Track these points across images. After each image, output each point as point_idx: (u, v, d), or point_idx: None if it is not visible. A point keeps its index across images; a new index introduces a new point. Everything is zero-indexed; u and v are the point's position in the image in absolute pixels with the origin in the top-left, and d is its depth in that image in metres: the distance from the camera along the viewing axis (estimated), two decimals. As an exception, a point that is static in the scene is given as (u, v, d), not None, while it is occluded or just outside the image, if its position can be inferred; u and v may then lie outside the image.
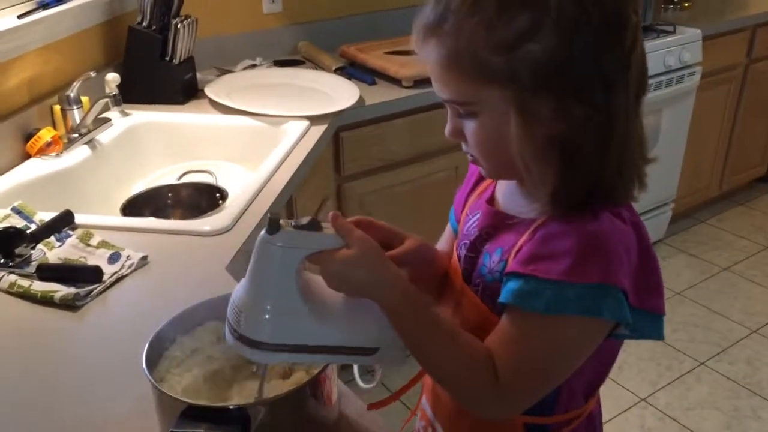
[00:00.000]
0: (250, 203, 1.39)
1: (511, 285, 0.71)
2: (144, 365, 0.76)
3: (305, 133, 1.73)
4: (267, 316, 0.71)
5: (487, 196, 0.86)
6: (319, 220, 0.73)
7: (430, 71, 0.74)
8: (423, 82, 2.06)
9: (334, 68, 2.21)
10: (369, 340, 0.74)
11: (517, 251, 0.74)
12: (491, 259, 0.78)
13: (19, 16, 1.58)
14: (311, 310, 0.72)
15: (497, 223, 0.81)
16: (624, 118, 0.71)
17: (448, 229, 0.95)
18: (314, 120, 1.79)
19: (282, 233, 0.70)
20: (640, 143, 0.75)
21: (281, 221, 0.71)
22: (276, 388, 0.78)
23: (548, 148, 0.71)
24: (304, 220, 0.72)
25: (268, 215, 0.71)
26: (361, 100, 1.96)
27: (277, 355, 0.72)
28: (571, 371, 0.74)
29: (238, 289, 0.74)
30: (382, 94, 2.03)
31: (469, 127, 0.74)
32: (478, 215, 0.85)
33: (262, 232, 0.71)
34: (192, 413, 0.70)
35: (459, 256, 0.85)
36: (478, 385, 0.73)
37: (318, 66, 2.29)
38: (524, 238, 0.74)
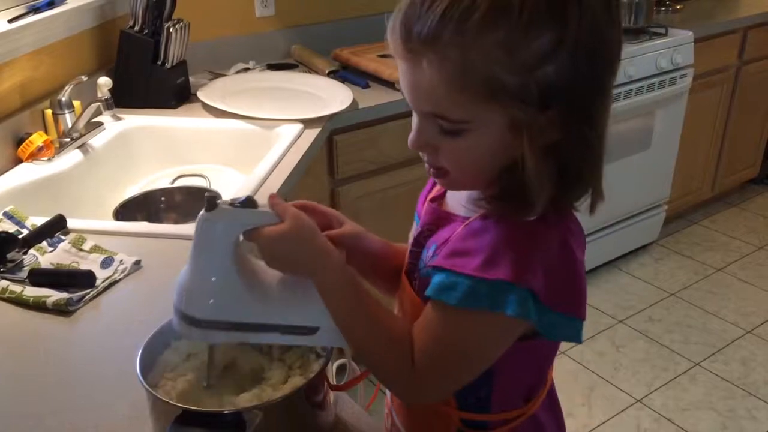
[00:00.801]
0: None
1: (435, 278, 0.73)
2: (138, 370, 0.75)
3: (299, 137, 1.73)
4: (206, 293, 0.72)
5: (435, 195, 0.87)
6: (253, 197, 0.74)
7: (415, 83, 0.69)
8: (416, 84, 2.06)
9: (327, 71, 2.20)
10: (308, 319, 0.74)
11: (445, 246, 0.76)
12: (427, 254, 0.80)
13: (10, 21, 1.57)
14: (250, 287, 0.73)
15: (437, 220, 0.82)
16: (605, 136, 0.72)
17: (414, 226, 0.95)
18: (308, 123, 1.79)
19: (218, 210, 0.71)
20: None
21: (219, 201, 0.72)
22: (272, 393, 0.78)
23: (545, 159, 0.70)
24: (241, 199, 0.73)
25: (205, 194, 0.73)
26: (354, 103, 1.95)
27: (216, 333, 0.73)
28: (484, 365, 0.75)
29: (182, 272, 0.75)
30: (375, 98, 2.03)
31: (450, 144, 0.71)
32: (424, 213, 0.87)
33: (201, 210, 0.72)
34: (186, 418, 0.70)
35: (409, 251, 0.87)
36: (395, 368, 0.75)
37: (311, 69, 2.28)
38: (455, 234, 0.76)
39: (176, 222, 1.53)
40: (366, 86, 2.12)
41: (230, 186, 1.63)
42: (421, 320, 0.75)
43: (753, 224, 3.34)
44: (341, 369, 0.95)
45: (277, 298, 0.75)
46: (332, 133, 1.93)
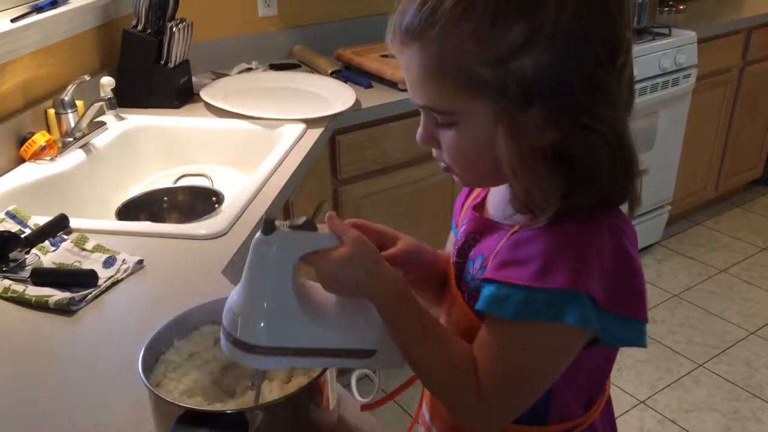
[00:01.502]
0: (247, 207, 1.38)
1: (485, 291, 0.71)
2: (140, 370, 0.75)
3: (301, 137, 1.72)
4: (263, 319, 0.70)
5: (476, 202, 0.85)
6: (315, 221, 0.72)
7: (409, 76, 0.71)
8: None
9: (330, 71, 2.20)
10: (366, 342, 0.73)
11: (494, 257, 0.73)
12: (474, 265, 0.78)
13: (13, 20, 1.56)
14: (308, 312, 0.71)
15: (481, 230, 0.80)
16: (626, 132, 0.71)
17: (451, 236, 0.94)
18: (310, 123, 1.78)
19: (277, 233, 0.70)
20: (635, 157, 0.74)
21: (276, 222, 0.70)
22: (275, 392, 0.77)
23: (539, 162, 0.68)
24: (300, 221, 0.71)
25: (264, 216, 0.71)
26: (357, 103, 1.95)
27: (272, 360, 0.71)
28: (552, 379, 0.72)
29: (233, 294, 0.73)
30: (378, 97, 2.03)
31: (447, 136, 0.71)
32: (465, 221, 0.85)
33: (258, 233, 0.70)
34: (189, 418, 0.69)
35: (453, 263, 0.85)
36: (461, 392, 0.72)
37: (314, 69, 2.28)
38: (501, 243, 0.74)
39: (179, 222, 1.52)
40: (369, 86, 2.11)
41: (233, 186, 1.63)
42: (479, 340, 0.73)
43: (757, 225, 3.33)
44: (361, 380, 0.93)
45: (334, 322, 0.74)
46: (335, 133, 1.92)
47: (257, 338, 0.70)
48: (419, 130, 0.74)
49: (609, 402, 0.88)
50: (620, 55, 0.68)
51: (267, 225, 0.70)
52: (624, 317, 0.70)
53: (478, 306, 0.71)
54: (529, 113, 0.67)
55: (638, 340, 0.72)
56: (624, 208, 0.75)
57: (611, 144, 0.69)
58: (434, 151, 0.75)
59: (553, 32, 0.64)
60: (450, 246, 0.94)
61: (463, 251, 0.81)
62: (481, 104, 0.67)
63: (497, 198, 0.82)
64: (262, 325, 0.70)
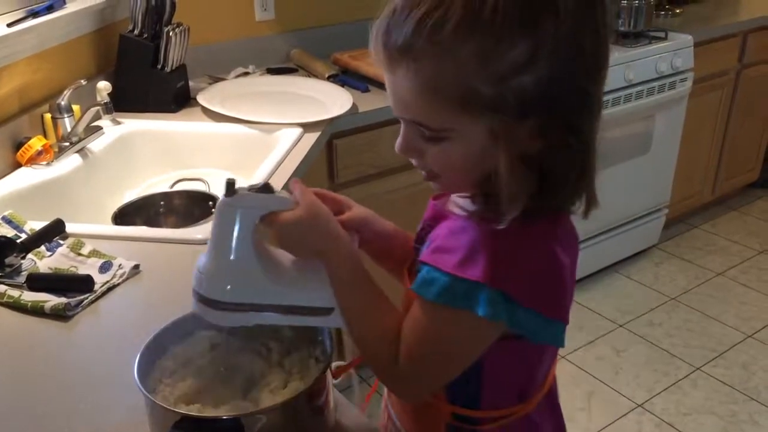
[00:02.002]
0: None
1: (421, 273, 0.74)
2: (136, 375, 0.75)
3: (298, 141, 1.72)
4: (225, 275, 0.75)
5: (439, 193, 0.87)
6: (269, 183, 0.77)
7: (397, 92, 0.70)
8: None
9: (327, 75, 2.20)
10: (323, 301, 0.77)
11: (432, 242, 0.77)
12: (424, 249, 0.80)
13: (9, 25, 1.56)
14: (268, 270, 0.76)
15: (436, 216, 0.83)
16: (594, 141, 0.72)
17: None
18: (307, 127, 1.78)
19: (238, 195, 0.74)
20: (594, 164, 0.75)
21: (237, 186, 0.74)
22: (272, 398, 0.77)
23: (522, 167, 0.70)
24: (259, 184, 0.76)
25: (226, 180, 0.75)
26: (354, 107, 1.95)
27: (235, 316, 0.75)
28: (462, 363, 0.75)
29: (200, 256, 0.77)
30: (375, 101, 2.03)
31: (435, 149, 0.71)
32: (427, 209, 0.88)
33: (221, 195, 0.75)
34: (185, 424, 0.69)
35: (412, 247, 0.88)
36: (383, 359, 0.76)
37: (311, 73, 2.28)
38: (442, 231, 0.77)
39: (175, 226, 1.52)
40: (366, 90, 2.11)
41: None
42: (409, 313, 0.76)
43: (754, 228, 3.34)
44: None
45: (292, 280, 0.78)
46: (332, 137, 1.92)
47: (221, 294, 0.74)
48: (399, 141, 0.74)
49: (554, 400, 0.90)
50: (604, 68, 0.70)
51: (228, 188, 0.74)
52: (543, 316, 0.72)
53: (412, 286, 0.75)
54: (523, 125, 0.67)
55: (556, 339, 0.74)
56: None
57: (582, 156, 0.71)
58: (415, 161, 0.76)
59: (553, 48, 0.65)
60: None
61: (421, 237, 0.84)
62: (477, 120, 0.67)
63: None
64: (224, 281, 0.74)
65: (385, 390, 0.94)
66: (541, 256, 0.72)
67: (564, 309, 0.74)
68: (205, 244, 1.23)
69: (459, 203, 0.80)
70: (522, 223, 0.70)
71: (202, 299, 0.75)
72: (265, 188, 0.76)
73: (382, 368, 0.78)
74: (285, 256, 0.79)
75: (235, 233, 0.74)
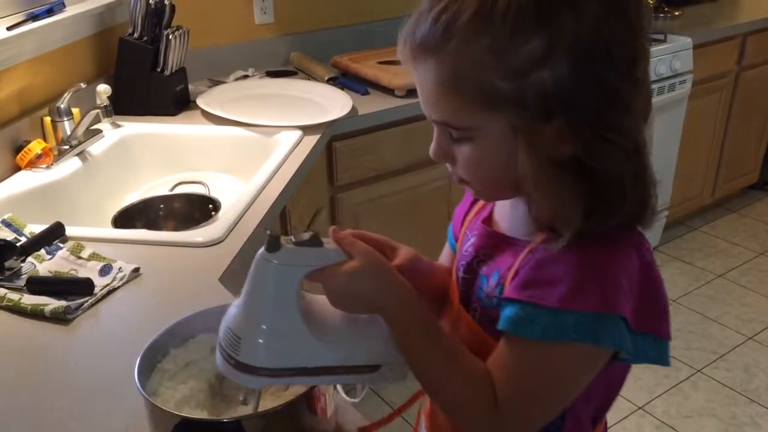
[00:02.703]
0: (243, 214, 1.37)
1: (508, 311, 0.69)
2: (136, 378, 0.74)
3: (298, 143, 1.72)
4: (266, 341, 0.67)
5: (484, 215, 0.83)
6: (318, 233, 0.70)
7: (423, 91, 0.69)
8: (416, 91, 2.05)
9: (326, 78, 2.20)
10: (371, 358, 0.72)
11: (514, 275, 0.72)
12: (488, 282, 0.76)
13: (9, 28, 1.56)
14: (312, 331, 0.69)
15: (494, 245, 0.78)
16: (644, 142, 0.69)
17: (447, 247, 0.93)
18: (307, 130, 1.78)
19: (282, 251, 0.67)
20: (650, 168, 0.72)
21: (281, 238, 0.68)
22: (272, 400, 0.77)
23: (556, 171, 0.67)
24: (305, 236, 0.69)
25: (268, 232, 0.67)
26: (354, 109, 1.95)
27: (275, 380, 0.69)
28: (570, 399, 0.71)
29: (231, 312, 0.70)
30: (375, 104, 2.03)
31: (463, 150, 0.70)
32: (474, 235, 0.83)
33: (261, 249, 0.68)
34: (186, 427, 0.69)
35: (457, 278, 0.83)
36: (477, 407, 0.70)
37: (310, 76, 2.28)
38: (519, 261, 0.72)
39: (175, 229, 1.52)
40: (365, 93, 2.11)
41: (230, 193, 1.62)
42: (498, 356, 0.71)
43: (753, 230, 3.34)
44: (348, 386, 0.92)
45: (338, 339, 0.71)
46: (332, 140, 1.92)
47: (260, 360, 0.67)
48: (433, 145, 0.73)
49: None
50: (639, 64, 0.67)
51: (271, 242, 0.67)
52: (655, 337, 0.69)
53: (501, 326, 0.69)
54: (549, 125, 0.65)
55: (662, 358, 0.71)
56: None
57: (630, 155, 0.67)
58: (449, 166, 0.74)
59: (572, 43, 0.63)
60: (445, 258, 0.92)
61: (472, 267, 0.79)
62: (499, 118, 0.66)
63: (508, 212, 0.80)
64: (264, 347, 0.67)
65: (423, 427, 0.90)
66: (644, 273, 0.69)
67: (669, 325, 0.71)
68: (206, 247, 1.24)
69: (519, 225, 0.76)
70: (611, 239, 0.67)
71: (238, 365, 0.67)
72: (312, 241, 0.69)
73: (475, 415, 0.71)
74: (327, 307, 0.72)
75: (279, 293, 0.67)
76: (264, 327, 0.68)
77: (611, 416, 2.30)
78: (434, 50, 0.66)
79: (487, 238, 0.80)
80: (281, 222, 1.64)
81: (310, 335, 0.68)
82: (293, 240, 0.68)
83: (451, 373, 0.71)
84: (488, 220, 0.82)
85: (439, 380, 0.71)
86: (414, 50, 0.68)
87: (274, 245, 0.67)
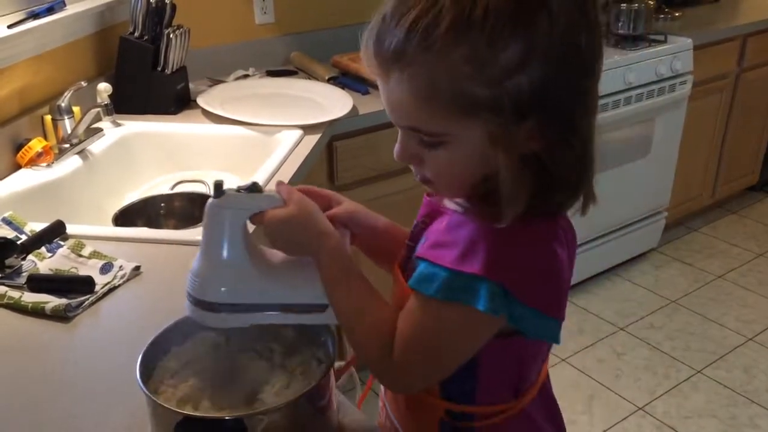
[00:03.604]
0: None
1: (419, 268, 0.74)
2: (138, 376, 0.74)
3: (299, 143, 1.72)
4: (219, 277, 0.75)
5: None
6: (258, 183, 0.78)
7: (393, 100, 0.70)
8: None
9: (327, 78, 2.20)
10: (318, 297, 0.77)
11: (430, 237, 0.77)
12: (420, 246, 0.80)
13: (9, 26, 1.56)
14: (261, 269, 0.77)
15: (431, 213, 0.82)
16: (593, 137, 0.72)
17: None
18: (307, 129, 1.78)
19: (226, 196, 0.75)
20: (594, 160, 0.75)
21: (225, 186, 0.75)
22: (274, 398, 0.77)
23: (523, 168, 0.69)
24: (247, 184, 0.77)
25: (214, 181, 0.75)
26: (354, 109, 1.95)
27: (231, 317, 0.75)
28: (459, 359, 0.75)
29: (194, 260, 0.77)
30: (375, 104, 2.03)
31: (434, 155, 0.71)
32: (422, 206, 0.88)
33: (210, 198, 0.75)
34: (188, 425, 0.69)
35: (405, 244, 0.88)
36: (376, 353, 0.76)
37: (311, 76, 2.28)
38: (439, 226, 0.77)
39: (176, 228, 1.52)
40: (366, 92, 2.11)
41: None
42: (404, 311, 0.76)
43: (753, 231, 3.34)
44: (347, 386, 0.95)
45: (288, 278, 0.78)
46: (332, 139, 1.92)
47: (216, 296, 0.75)
48: (397, 147, 0.74)
49: (548, 395, 0.90)
50: (598, 61, 0.70)
51: (216, 189, 0.75)
52: (540, 312, 0.72)
53: (410, 282, 0.74)
54: (522, 126, 0.67)
55: (553, 336, 0.75)
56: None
57: (580, 157, 0.71)
58: (414, 168, 0.76)
59: (547, 48, 0.64)
60: None
61: (414, 234, 0.84)
62: (474, 125, 0.67)
63: None
64: (218, 282, 0.75)
65: (382, 387, 0.94)
66: (542, 254, 0.72)
67: (562, 307, 0.75)
68: (206, 245, 1.24)
69: (456, 200, 0.79)
70: (522, 221, 0.70)
71: (198, 302, 0.75)
72: (253, 188, 0.77)
73: (374, 361, 0.77)
74: (278, 255, 0.80)
75: (226, 234, 0.74)
76: (214, 265, 0.75)
77: (611, 417, 2.31)
78: (408, 59, 0.66)
79: (428, 207, 0.85)
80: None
81: (258, 273, 0.76)
82: (236, 188, 0.77)
83: (358, 319, 0.77)
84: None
85: (349, 323, 0.78)
86: (386, 60, 0.68)
87: (219, 192, 0.75)
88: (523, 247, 0.71)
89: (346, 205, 0.88)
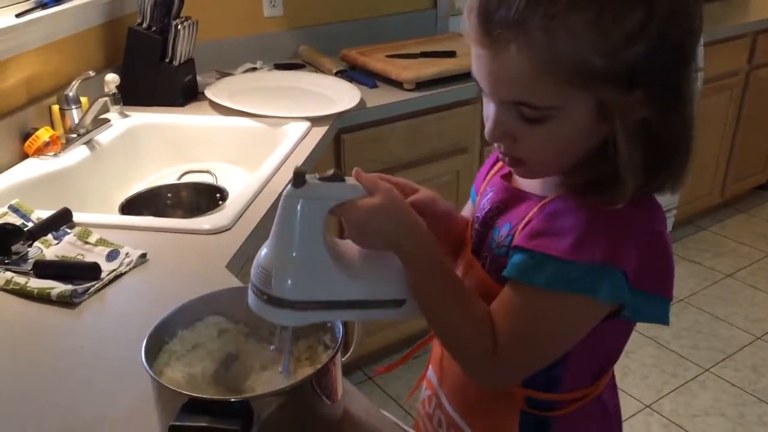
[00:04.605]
0: (251, 203, 1.36)
1: (516, 258, 0.72)
2: (143, 357, 0.74)
3: (306, 135, 1.71)
4: (294, 272, 0.70)
5: (503, 172, 0.84)
6: (340, 171, 0.73)
7: (497, 73, 0.67)
8: (424, 84, 2.05)
9: (335, 71, 2.19)
10: (395, 292, 0.73)
11: (525, 225, 0.74)
12: (500, 233, 0.78)
13: (18, 15, 1.56)
14: (338, 265, 0.71)
15: (509, 198, 0.80)
16: (694, 106, 0.71)
17: (468, 203, 0.95)
18: (315, 121, 1.77)
19: (307, 186, 0.69)
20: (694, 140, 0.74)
21: (306, 175, 0.70)
22: (280, 382, 0.76)
23: (636, 136, 0.68)
24: (329, 173, 0.72)
25: (294, 169, 0.70)
26: (362, 102, 1.94)
27: (306, 314, 0.71)
28: (565, 348, 0.74)
29: (262, 252, 0.72)
30: (383, 97, 2.02)
31: (532, 131, 0.69)
32: (492, 190, 0.84)
33: (288, 186, 0.70)
34: (193, 406, 0.68)
35: (473, 229, 0.85)
36: (477, 347, 0.73)
37: (318, 69, 2.27)
38: (532, 212, 0.74)
39: (182, 218, 1.51)
40: (374, 86, 2.10)
41: (237, 183, 1.62)
42: (501, 302, 0.73)
43: (762, 230, 3.31)
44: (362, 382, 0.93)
45: (363, 273, 0.74)
46: (340, 132, 1.91)
47: (289, 292, 0.70)
48: (490, 126, 0.72)
49: (613, 377, 0.89)
50: (700, 37, 0.69)
51: (297, 178, 0.69)
52: (652, 294, 0.71)
53: (507, 272, 0.71)
54: (632, 95, 0.66)
55: (662, 317, 0.73)
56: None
57: (689, 128, 0.70)
58: (502, 146, 0.74)
59: (666, 17, 0.64)
60: (466, 213, 0.94)
61: (486, 220, 0.81)
62: (585, 95, 0.66)
63: None
64: (293, 278, 0.70)
65: (435, 382, 0.92)
66: (653, 237, 0.71)
67: (672, 285, 0.74)
68: (213, 234, 1.23)
69: (540, 182, 0.77)
70: (627, 205, 0.68)
71: (271, 300, 0.70)
72: (336, 177, 0.71)
73: (475, 356, 0.74)
74: (354, 249, 0.75)
75: (304, 226, 0.70)
76: (292, 259, 0.70)
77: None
78: (529, 28, 0.64)
79: (504, 192, 0.82)
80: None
81: (335, 268, 0.71)
82: (317, 176, 0.71)
83: (455, 314, 0.73)
84: (508, 176, 0.84)
85: (444, 320, 0.74)
86: (500, 29, 0.65)
87: (299, 181, 0.69)
88: (636, 233, 0.70)
89: (422, 193, 0.83)
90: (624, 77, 0.65)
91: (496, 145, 0.74)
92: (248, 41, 2.33)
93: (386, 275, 0.74)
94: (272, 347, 0.79)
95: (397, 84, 2.07)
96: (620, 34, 0.63)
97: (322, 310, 0.72)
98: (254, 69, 2.26)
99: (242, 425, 0.67)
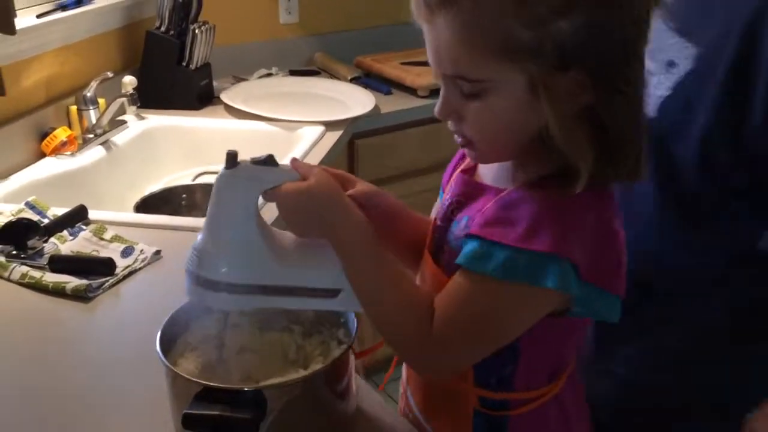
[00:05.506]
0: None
1: (468, 247, 0.70)
2: (158, 347, 0.74)
3: (320, 139, 1.72)
4: (226, 253, 0.69)
5: (465, 168, 0.84)
6: (274, 156, 0.72)
7: (438, 45, 0.68)
8: (438, 91, 2.05)
9: (350, 78, 2.20)
10: (330, 282, 0.72)
11: (480, 215, 0.73)
12: (459, 226, 0.77)
13: (38, 16, 1.58)
14: (271, 249, 0.70)
15: (469, 192, 0.79)
16: (643, 93, 0.70)
17: (437, 202, 0.93)
18: (329, 126, 1.78)
19: (240, 167, 0.69)
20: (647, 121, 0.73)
21: (239, 158, 0.70)
22: (294, 374, 0.76)
23: (578, 123, 0.68)
24: (262, 157, 0.71)
25: (227, 151, 0.70)
26: (376, 108, 1.95)
27: (237, 298, 0.70)
28: (508, 339, 0.72)
29: (197, 236, 0.72)
30: (397, 103, 2.03)
31: (474, 107, 0.70)
32: (453, 185, 0.84)
33: (221, 168, 0.70)
34: (207, 395, 0.68)
35: (434, 226, 0.84)
36: (410, 333, 0.72)
37: (334, 76, 2.29)
38: (489, 204, 0.74)
39: (196, 219, 1.52)
40: (388, 92, 2.11)
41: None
42: (446, 289, 0.72)
43: None
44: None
45: (297, 259, 0.73)
46: (354, 138, 1.92)
47: (219, 274, 0.69)
48: (439, 103, 0.73)
49: (574, 376, 0.87)
50: (649, 12, 0.68)
51: (230, 160, 0.69)
52: (601, 289, 0.70)
53: (459, 260, 0.71)
54: (565, 76, 0.66)
55: (611, 313, 0.72)
56: None
57: (635, 110, 0.69)
58: (452, 125, 0.74)
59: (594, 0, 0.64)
60: (434, 212, 0.92)
61: (447, 215, 0.80)
62: (516, 69, 0.66)
63: (489, 165, 0.81)
64: (224, 259, 0.69)
65: (404, 376, 0.92)
66: (604, 229, 0.71)
67: (621, 282, 0.72)
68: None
69: (496, 175, 0.77)
70: (580, 195, 0.68)
71: (199, 280, 0.70)
72: (269, 161, 0.71)
73: (410, 341, 0.73)
74: (287, 236, 0.74)
75: (237, 208, 0.69)
76: (223, 241, 0.69)
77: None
78: (448, 1, 0.65)
79: (464, 185, 0.81)
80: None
81: (268, 252, 0.70)
82: (250, 159, 0.71)
83: (389, 297, 0.72)
84: (470, 171, 0.83)
85: (378, 304, 0.73)
86: (431, 3, 0.67)
87: (231, 162, 0.69)
88: (589, 224, 0.69)
89: (362, 185, 0.83)
90: (551, 54, 0.64)
91: (449, 124, 0.74)
92: (264, 47, 2.35)
93: (321, 263, 0.72)
94: (216, 339, 0.78)
95: (412, 91, 2.08)
96: (545, 7, 0.63)
97: (258, 295, 0.70)
98: (269, 75, 2.27)
99: (255, 414, 0.67)
